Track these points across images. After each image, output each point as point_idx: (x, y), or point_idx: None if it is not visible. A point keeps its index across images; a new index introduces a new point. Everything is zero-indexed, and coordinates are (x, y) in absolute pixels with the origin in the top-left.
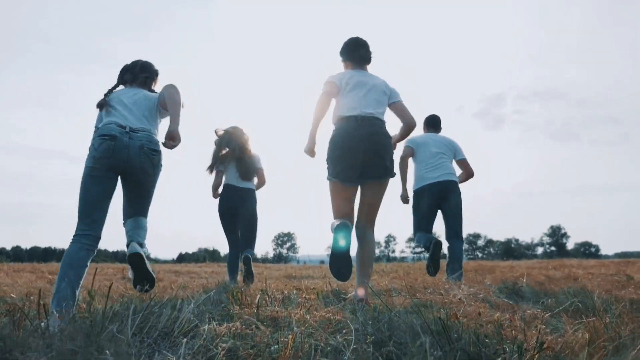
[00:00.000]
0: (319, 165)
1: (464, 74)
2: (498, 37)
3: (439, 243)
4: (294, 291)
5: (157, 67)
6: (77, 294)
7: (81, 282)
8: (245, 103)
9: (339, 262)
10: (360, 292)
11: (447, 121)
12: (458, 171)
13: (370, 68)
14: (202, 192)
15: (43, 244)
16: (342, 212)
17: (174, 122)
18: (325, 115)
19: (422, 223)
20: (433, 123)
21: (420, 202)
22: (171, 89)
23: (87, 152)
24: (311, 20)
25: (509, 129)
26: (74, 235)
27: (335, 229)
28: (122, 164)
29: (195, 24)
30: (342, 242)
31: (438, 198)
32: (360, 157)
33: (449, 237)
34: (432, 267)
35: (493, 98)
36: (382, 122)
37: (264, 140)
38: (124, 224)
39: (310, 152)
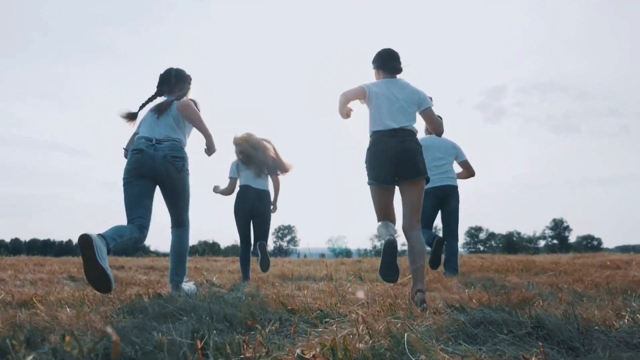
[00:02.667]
0: (319, 159)
1: (465, 66)
2: (498, 29)
3: (441, 240)
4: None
5: (188, 72)
6: (116, 239)
7: (122, 238)
8: (245, 95)
9: (387, 266)
10: (419, 285)
11: (447, 114)
12: (458, 170)
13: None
14: (203, 186)
15: (42, 236)
16: (382, 212)
17: (208, 137)
18: (348, 102)
19: (424, 222)
20: None
21: (424, 202)
22: (184, 111)
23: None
24: (311, 13)
25: (510, 121)
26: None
27: (383, 245)
28: (150, 172)
29: (194, 16)
30: (387, 254)
31: (440, 200)
32: (395, 162)
33: (445, 237)
34: (434, 262)
35: (493, 90)
36: (413, 133)
37: (264, 133)
38: (171, 230)
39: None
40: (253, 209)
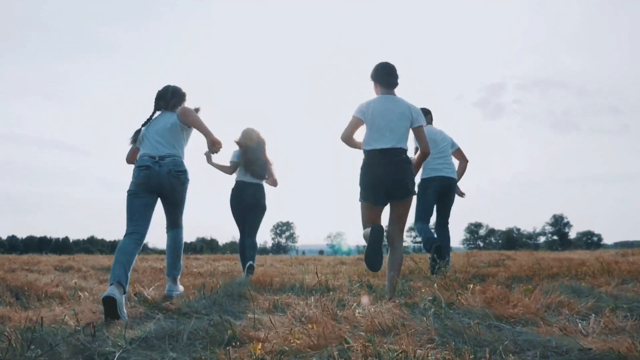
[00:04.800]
0: (318, 157)
1: (464, 63)
2: (498, 26)
3: (440, 247)
4: None
5: (184, 90)
6: (128, 274)
7: (131, 266)
8: (245, 94)
9: (372, 255)
10: (391, 288)
11: (447, 110)
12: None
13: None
14: (202, 183)
15: (39, 233)
16: (369, 224)
17: (207, 135)
18: (354, 140)
19: (425, 212)
20: (429, 117)
21: (428, 190)
22: (184, 117)
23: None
24: (312, 13)
25: (509, 118)
26: (125, 234)
27: (369, 230)
28: (157, 186)
29: (194, 15)
30: (374, 236)
31: (444, 191)
32: (385, 183)
33: (439, 225)
34: (434, 267)
35: (493, 87)
36: (404, 151)
37: (263, 130)
38: (167, 231)
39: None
40: (249, 203)
